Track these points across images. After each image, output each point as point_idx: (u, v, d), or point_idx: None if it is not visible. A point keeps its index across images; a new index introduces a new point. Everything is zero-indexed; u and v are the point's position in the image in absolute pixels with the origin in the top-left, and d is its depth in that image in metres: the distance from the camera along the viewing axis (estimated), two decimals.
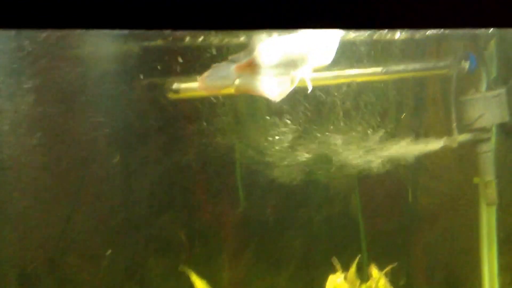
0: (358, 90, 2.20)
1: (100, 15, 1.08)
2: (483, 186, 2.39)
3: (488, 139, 2.38)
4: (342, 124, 2.26)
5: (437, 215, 2.53)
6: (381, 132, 2.25)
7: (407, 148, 2.25)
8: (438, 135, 2.30)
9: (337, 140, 2.18)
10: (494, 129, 2.53)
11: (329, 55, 1.67)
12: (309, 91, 1.66)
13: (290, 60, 1.61)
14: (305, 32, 1.64)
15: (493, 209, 2.64)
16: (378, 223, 2.46)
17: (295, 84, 1.63)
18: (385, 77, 2.27)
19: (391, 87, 2.31)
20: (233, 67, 1.58)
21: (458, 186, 2.51)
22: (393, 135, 2.25)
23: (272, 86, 1.61)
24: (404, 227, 2.57)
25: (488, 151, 2.39)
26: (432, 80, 2.45)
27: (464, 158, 2.43)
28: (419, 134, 2.32)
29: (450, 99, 2.35)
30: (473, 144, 2.38)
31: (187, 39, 1.87)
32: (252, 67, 1.58)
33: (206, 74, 1.59)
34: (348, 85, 2.19)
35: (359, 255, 2.18)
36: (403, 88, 2.35)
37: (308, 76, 1.64)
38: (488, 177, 2.40)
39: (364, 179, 2.29)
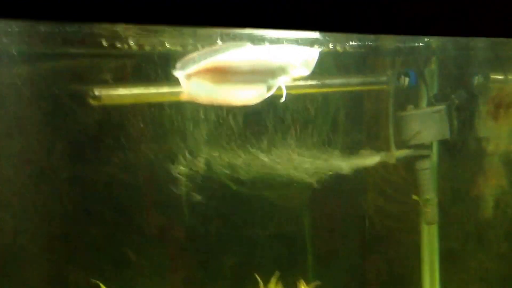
0: (291, 103, 2.14)
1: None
2: (422, 204, 2.36)
3: (428, 156, 2.33)
4: (276, 138, 2.20)
5: (376, 233, 2.47)
6: (316, 147, 2.19)
7: (343, 164, 2.19)
8: (376, 150, 2.26)
9: (270, 154, 2.11)
10: (435, 146, 2.54)
11: (308, 67, 1.62)
12: (282, 101, 1.60)
13: (267, 69, 1.55)
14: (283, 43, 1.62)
15: (434, 228, 2.61)
16: (314, 240, 2.39)
17: (271, 93, 1.57)
18: (320, 90, 2.22)
19: (327, 100, 2.25)
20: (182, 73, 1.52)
21: (398, 204, 2.45)
22: (328, 150, 2.19)
23: (243, 94, 1.57)
24: (342, 245, 2.50)
25: (427, 168, 2.34)
26: (371, 94, 2.40)
27: (403, 175, 2.38)
28: (356, 149, 2.27)
29: (388, 115, 2.32)
30: (412, 160, 2.37)
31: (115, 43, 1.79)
32: (214, 74, 1.53)
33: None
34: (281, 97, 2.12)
35: (279, 271, 2.11)
36: (339, 102, 2.30)
37: (284, 86, 1.59)
38: (428, 195, 2.37)
39: (299, 195, 2.22)
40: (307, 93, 2.23)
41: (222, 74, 1.54)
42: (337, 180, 2.17)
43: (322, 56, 2.18)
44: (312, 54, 1.62)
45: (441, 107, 2.33)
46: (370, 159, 2.21)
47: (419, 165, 2.33)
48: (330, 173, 2.14)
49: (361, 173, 2.25)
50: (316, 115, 2.26)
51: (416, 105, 2.38)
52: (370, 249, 2.58)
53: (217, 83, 1.54)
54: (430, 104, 2.40)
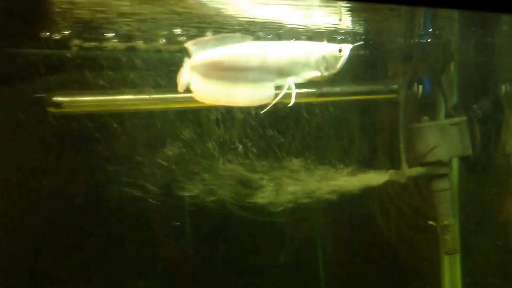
0: (287, 113, 1.88)
1: None
2: (440, 231, 2.05)
3: (446, 176, 2.00)
4: (272, 151, 1.93)
5: (388, 264, 2.16)
6: (318, 163, 1.92)
7: (346, 182, 1.91)
8: (384, 168, 1.97)
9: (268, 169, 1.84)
10: (455, 164, 2.23)
11: (333, 66, 1.42)
12: (290, 105, 1.39)
13: (280, 67, 1.39)
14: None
15: (456, 259, 2.29)
16: (323, 269, 2.10)
17: (281, 95, 1.38)
18: (320, 99, 1.96)
19: (329, 111, 1.99)
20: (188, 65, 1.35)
21: (412, 231, 2.15)
22: (332, 167, 1.92)
23: (252, 94, 1.39)
24: (347, 276, 2.19)
25: (445, 190, 2.02)
26: (379, 105, 2.12)
27: (416, 197, 2.08)
28: (362, 166, 1.98)
29: (399, 127, 2.03)
30: (428, 180, 2.05)
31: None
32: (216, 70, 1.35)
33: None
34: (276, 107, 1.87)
35: None
36: (344, 113, 2.02)
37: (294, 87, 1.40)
38: (447, 220, 2.06)
39: (298, 217, 1.94)
40: (304, 103, 1.97)
41: (229, 69, 1.37)
42: (335, 204, 1.90)
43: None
44: (338, 51, 1.42)
45: (461, 118, 2.01)
46: (377, 179, 1.91)
47: (436, 185, 2.00)
48: (328, 195, 1.86)
49: (366, 195, 1.97)
50: (314, 128, 1.99)
51: (432, 117, 2.09)
52: (382, 282, 2.28)
53: (222, 79, 1.38)
54: (448, 115, 2.11)
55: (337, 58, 1.43)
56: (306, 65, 1.43)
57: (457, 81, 2.15)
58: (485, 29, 2.07)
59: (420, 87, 2.04)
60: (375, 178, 1.91)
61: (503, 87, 2.16)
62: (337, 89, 1.98)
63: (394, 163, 1.98)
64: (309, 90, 1.92)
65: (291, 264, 2.21)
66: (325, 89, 1.93)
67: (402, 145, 1.99)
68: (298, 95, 1.91)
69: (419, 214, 2.07)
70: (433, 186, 2.01)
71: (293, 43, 1.46)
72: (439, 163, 1.99)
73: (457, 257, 2.25)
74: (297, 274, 2.20)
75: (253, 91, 1.41)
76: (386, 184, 1.93)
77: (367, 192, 1.99)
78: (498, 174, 2.12)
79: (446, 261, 2.25)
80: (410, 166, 1.98)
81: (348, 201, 1.97)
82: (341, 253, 2.23)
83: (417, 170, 1.98)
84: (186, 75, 1.35)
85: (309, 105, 1.95)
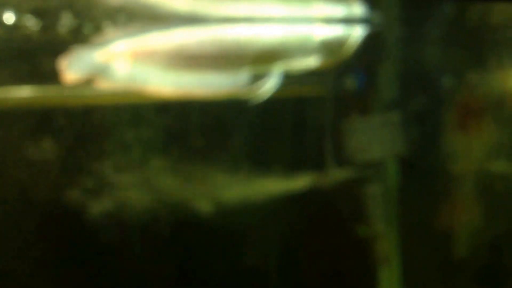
0: (189, 110, 1.70)
1: None
2: (372, 239, 1.89)
3: (378, 178, 1.90)
4: (189, 155, 1.75)
5: (317, 269, 2.00)
6: (230, 166, 1.74)
7: (262, 188, 1.73)
8: (309, 170, 1.80)
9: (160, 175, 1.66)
10: (389, 166, 2.07)
11: (339, 53, 1.24)
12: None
13: (260, 53, 1.20)
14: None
15: (393, 265, 2.14)
16: (232, 275, 1.93)
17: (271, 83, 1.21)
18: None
19: (246, 109, 1.81)
20: (97, 54, 1.15)
21: (340, 240, 1.98)
22: (247, 170, 1.74)
23: (212, 83, 1.20)
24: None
25: (375, 194, 1.89)
26: (305, 101, 1.95)
27: (345, 202, 1.92)
28: (283, 169, 1.81)
29: (326, 126, 1.86)
30: (358, 183, 1.91)
31: None
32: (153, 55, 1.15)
33: (66, 62, 1.13)
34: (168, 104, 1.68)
35: None
36: (262, 111, 1.84)
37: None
38: (378, 226, 1.90)
39: (203, 227, 1.76)
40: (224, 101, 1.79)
41: (178, 56, 1.17)
42: (258, 210, 1.72)
43: None
44: (345, 35, 1.24)
45: (395, 116, 1.87)
46: (299, 182, 1.75)
47: (367, 189, 1.89)
48: (249, 201, 1.69)
49: (286, 201, 1.80)
50: (225, 126, 1.81)
51: (364, 113, 1.95)
52: None
53: (171, 67, 1.18)
54: (382, 112, 1.97)
55: (343, 44, 1.27)
56: (301, 51, 1.25)
57: (396, 75, 2.01)
58: (427, 17, 1.92)
59: (353, 80, 1.89)
60: (295, 182, 1.75)
61: (447, 80, 2.02)
62: None
63: (321, 165, 1.82)
64: None
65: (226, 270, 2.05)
66: None
67: (329, 145, 1.85)
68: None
69: (350, 220, 1.91)
70: (364, 189, 1.89)
71: (284, 27, 1.25)
72: (369, 165, 1.87)
73: (395, 264, 2.11)
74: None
75: (214, 80, 1.22)
76: (312, 188, 1.77)
77: (292, 197, 1.84)
78: (435, 178, 1.97)
79: (383, 270, 2.11)
80: (338, 167, 1.86)
81: (272, 207, 1.81)
82: (267, 261, 2.07)
83: (345, 173, 1.87)
84: (92, 66, 1.14)
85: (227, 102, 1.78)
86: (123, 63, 1.15)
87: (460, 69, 1.98)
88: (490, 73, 1.87)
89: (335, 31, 1.21)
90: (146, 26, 1.15)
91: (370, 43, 1.83)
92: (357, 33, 1.21)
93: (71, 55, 1.13)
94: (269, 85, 1.21)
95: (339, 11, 1.27)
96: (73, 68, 1.14)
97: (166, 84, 1.18)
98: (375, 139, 1.80)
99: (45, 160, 1.55)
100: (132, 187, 1.60)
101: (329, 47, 1.22)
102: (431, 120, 1.88)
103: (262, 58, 1.21)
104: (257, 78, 1.23)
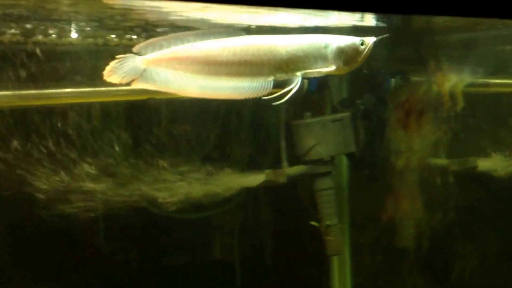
0: (160, 112, 1.76)
1: None
2: (323, 232, 1.98)
3: (328, 174, 1.94)
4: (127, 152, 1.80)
5: (274, 266, 2.08)
6: (190, 163, 1.80)
7: (220, 183, 1.80)
8: (263, 167, 1.88)
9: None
10: (340, 162, 2.17)
11: (354, 60, 1.33)
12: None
13: (281, 60, 1.30)
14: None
15: (345, 258, 2.24)
16: (186, 268, 1.98)
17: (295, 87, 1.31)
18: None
19: (202, 108, 1.87)
20: (140, 60, 1.28)
21: (297, 232, 2.07)
22: (207, 167, 1.80)
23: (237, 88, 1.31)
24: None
25: (327, 189, 1.96)
26: (260, 102, 2.02)
27: (298, 197, 2.01)
28: (240, 165, 1.87)
29: (279, 124, 1.94)
30: (309, 179, 1.98)
31: None
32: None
33: (109, 68, 1.27)
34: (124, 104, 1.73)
35: None
36: (218, 110, 1.91)
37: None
38: (330, 220, 1.99)
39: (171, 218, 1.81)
40: (177, 100, 1.85)
41: (201, 63, 1.29)
42: (214, 206, 1.79)
43: None
44: (359, 44, 1.31)
45: (344, 114, 1.94)
46: (254, 178, 1.82)
47: (318, 185, 1.94)
48: (205, 197, 1.75)
49: (243, 196, 1.87)
50: (188, 127, 1.87)
51: (318, 113, 2.01)
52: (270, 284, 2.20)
53: (192, 73, 1.29)
54: (334, 111, 2.06)
55: (357, 52, 1.33)
56: (320, 58, 1.34)
57: (347, 76, 2.10)
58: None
59: (305, 81, 1.97)
60: (250, 178, 1.82)
61: (391, 81, 2.13)
62: None
63: (274, 162, 1.90)
64: None
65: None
66: None
67: (282, 143, 1.93)
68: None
69: (303, 215, 2.00)
70: (315, 185, 1.95)
71: (304, 36, 1.35)
72: (321, 161, 1.94)
73: (347, 257, 2.21)
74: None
75: (238, 85, 1.31)
76: (266, 184, 1.85)
77: (247, 193, 1.91)
78: (381, 173, 2.08)
79: (335, 261, 2.21)
80: (291, 164, 1.94)
81: (230, 201, 1.88)
82: (228, 255, 2.14)
83: (298, 169, 1.94)
84: (136, 70, 1.27)
85: (183, 102, 1.83)
86: (158, 69, 1.28)
87: (403, 72, 2.10)
88: (430, 76, 2.00)
89: (349, 40, 1.35)
90: (179, 36, 1.28)
91: None
92: (369, 42, 1.33)
93: (116, 61, 1.26)
94: (290, 90, 1.34)
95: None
96: (117, 72, 1.27)
97: (197, 88, 1.30)
98: (326, 137, 1.89)
99: None
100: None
101: (344, 55, 1.35)
102: (377, 119, 1.99)
103: (284, 65, 1.32)
104: (280, 83, 1.35)
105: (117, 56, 1.26)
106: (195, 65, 1.30)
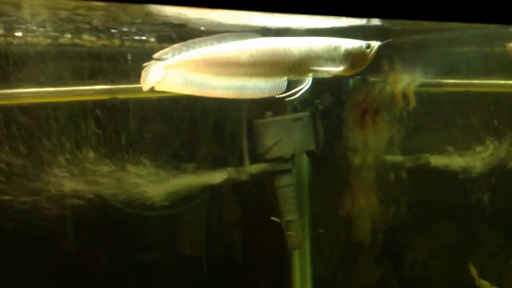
0: (113, 111, 1.78)
1: None
2: (284, 227, 2.05)
3: (289, 171, 2.00)
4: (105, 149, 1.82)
5: (233, 257, 2.14)
6: (154, 161, 1.83)
7: (182, 182, 1.84)
8: (226, 165, 1.93)
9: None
10: (301, 160, 2.24)
11: (361, 63, 1.42)
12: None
13: (294, 62, 1.39)
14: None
15: (306, 252, 2.31)
16: (153, 264, 2.02)
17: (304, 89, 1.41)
18: (159, 94, 1.86)
19: (159, 106, 1.90)
20: (161, 65, 1.37)
21: (259, 228, 2.13)
22: (166, 166, 1.84)
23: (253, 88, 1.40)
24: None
25: (288, 185, 2.02)
26: (222, 101, 2.07)
27: (260, 194, 2.06)
28: (204, 163, 1.92)
29: (241, 123, 1.99)
30: (270, 176, 2.02)
31: None
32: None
33: (142, 77, 1.37)
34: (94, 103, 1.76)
35: None
36: (183, 109, 1.95)
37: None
38: (290, 216, 2.05)
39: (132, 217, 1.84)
40: (141, 99, 1.87)
41: (218, 66, 1.37)
42: (177, 204, 1.82)
43: None
44: (366, 47, 1.40)
45: (303, 114, 2.00)
46: (217, 176, 1.87)
47: (279, 181, 1.99)
48: (168, 195, 1.79)
49: (207, 193, 1.91)
50: (156, 124, 1.90)
51: (280, 112, 2.06)
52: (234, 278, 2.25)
53: (211, 75, 1.38)
54: (295, 110, 2.12)
55: (364, 54, 1.41)
56: (329, 60, 1.41)
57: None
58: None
59: None
60: (213, 176, 1.87)
61: (349, 82, 2.20)
62: None
63: (236, 160, 1.95)
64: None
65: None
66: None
67: (244, 142, 1.98)
68: (134, 89, 1.82)
69: (265, 211, 2.05)
70: (276, 182, 2.01)
71: (315, 38, 1.43)
72: (281, 159, 2.00)
73: (307, 252, 2.28)
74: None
75: (254, 85, 1.39)
76: (228, 181, 1.89)
77: (211, 190, 1.96)
78: (339, 169, 2.16)
79: (296, 255, 2.28)
80: (252, 162, 1.98)
81: (194, 199, 1.92)
82: (193, 250, 2.18)
83: (260, 167, 1.99)
84: (158, 75, 1.35)
85: (143, 101, 1.86)
86: (179, 72, 1.36)
87: (361, 72, 2.18)
88: (384, 76, 2.08)
89: (356, 44, 1.41)
90: (197, 41, 1.36)
91: None
92: (375, 45, 1.41)
93: (144, 70, 1.35)
94: (302, 89, 1.41)
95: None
96: (147, 79, 1.36)
97: (215, 89, 1.38)
98: (287, 136, 1.95)
99: None
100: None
101: (352, 57, 1.42)
102: (336, 118, 2.06)
103: (297, 66, 1.40)
104: (293, 83, 1.41)
105: (144, 65, 1.35)
106: (214, 67, 1.37)
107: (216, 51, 1.37)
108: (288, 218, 2.00)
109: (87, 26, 1.58)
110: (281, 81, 1.40)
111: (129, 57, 1.81)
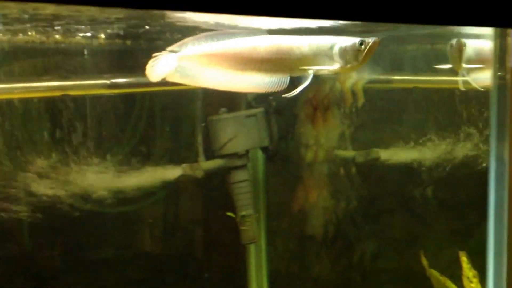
0: (76, 105, 1.77)
1: None
2: (238, 222, 2.08)
3: (243, 167, 2.04)
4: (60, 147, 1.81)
5: (190, 253, 2.16)
6: (110, 158, 1.83)
7: (138, 179, 1.85)
8: (180, 161, 1.95)
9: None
10: (255, 156, 2.28)
11: (355, 59, 1.46)
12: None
13: (295, 59, 1.46)
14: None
15: (261, 246, 2.36)
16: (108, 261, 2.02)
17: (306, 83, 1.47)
18: (113, 91, 1.87)
19: (123, 104, 1.90)
20: (174, 56, 1.44)
21: (215, 223, 2.16)
22: (122, 163, 1.85)
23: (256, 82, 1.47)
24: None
25: (242, 181, 2.05)
26: (178, 96, 2.10)
27: (215, 190, 2.09)
28: (156, 160, 1.94)
29: (196, 120, 2.02)
30: (225, 172, 2.07)
31: None
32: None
33: (150, 64, 1.44)
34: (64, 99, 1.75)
35: None
36: (136, 105, 1.96)
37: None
38: (245, 211, 2.09)
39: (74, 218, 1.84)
40: (95, 96, 1.87)
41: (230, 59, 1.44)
42: (132, 200, 1.83)
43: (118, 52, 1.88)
44: (359, 44, 1.44)
45: (257, 110, 2.04)
46: (172, 172, 1.88)
47: (234, 177, 2.02)
48: (122, 192, 1.79)
49: (163, 191, 1.93)
50: (105, 120, 1.90)
51: (234, 109, 2.10)
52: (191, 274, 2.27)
53: (221, 69, 1.45)
54: (249, 107, 2.16)
55: (358, 51, 1.45)
56: (327, 58, 1.45)
57: None
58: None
59: None
60: (168, 173, 1.88)
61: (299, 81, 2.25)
62: (131, 79, 1.92)
63: (192, 157, 1.97)
64: (97, 81, 1.84)
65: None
66: (117, 81, 1.86)
67: (199, 138, 2.00)
68: (87, 86, 1.82)
69: (221, 205, 2.08)
70: (231, 177, 2.04)
71: (313, 37, 1.48)
72: (236, 155, 2.04)
73: (263, 245, 2.33)
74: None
75: (257, 79, 1.45)
76: (183, 178, 1.91)
77: (166, 186, 1.97)
78: (292, 165, 2.21)
79: (252, 249, 2.32)
80: (207, 159, 2.02)
81: (145, 196, 1.93)
82: (150, 247, 2.19)
83: (215, 163, 2.02)
84: (170, 66, 1.42)
85: (98, 98, 1.86)
86: (190, 65, 1.43)
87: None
88: (334, 75, 2.14)
89: (350, 41, 1.45)
90: (209, 35, 1.43)
91: None
92: (369, 42, 1.45)
93: (153, 60, 1.41)
94: (303, 86, 1.48)
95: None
96: (155, 69, 1.42)
97: (224, 82, 1.44)
98: (241, 132, 1.98)
99: None
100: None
101: (347, 55, 1.45)
102: (288, 115, 2.11)
103: (298, 63, 1.46)
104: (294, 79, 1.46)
105: (154, 55, 1.41)
106: (226, 61, 1.44)
107: (229, 47, 1.44)
108: (243, 213, 2.04)
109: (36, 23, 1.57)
110: (284, 77, 1.47)
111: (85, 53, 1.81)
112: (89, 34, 1.64)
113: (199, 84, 1.46)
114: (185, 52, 1.41)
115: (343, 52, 1.46)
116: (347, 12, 1.21)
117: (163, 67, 1.42)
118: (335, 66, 1.46)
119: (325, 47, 1.47)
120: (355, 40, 1.47)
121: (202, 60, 1.42)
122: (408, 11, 1.32)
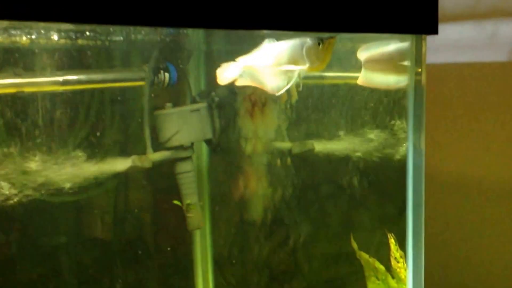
0: (28, 101, 1.86)
1: None
2: (184, 209, 2.23)
3: (188, 158, 2.19)
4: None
5: (139, 240, 2.29)
6: (61, 150, 1.92)
7: (90, 169, 1.96)
8: (130, 154, 2.07)
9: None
10: (200, 148, 2.42)
11: (318, 58, 1.63)
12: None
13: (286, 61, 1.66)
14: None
15: (206, 232, 2.52)
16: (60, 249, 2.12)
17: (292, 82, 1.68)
18: (65, 87, 1.96)
19: (76, 100, 2.00)
20: (239, 65, 1.77)
21: (163, 212, 2.30)
22: (73, 154, 1.95)
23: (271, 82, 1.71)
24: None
25: (188, 171, 2.20)
26: (127, 92, 2.21)
27: (163, 180, 2.23)
28: (106, 152, 2.05)
29: (143, 114, 2.13)
30: (172, 163, 2.19)
31: None
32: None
33: (220, 69, 1.82)
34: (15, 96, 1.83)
35: None
36: (89, 101, 2.06)
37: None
38: (190, 199, 2.24)
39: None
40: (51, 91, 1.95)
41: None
42: (82, 191, 1.94)
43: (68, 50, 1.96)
44: (317, 44, 1.59)
45: (200, 105, 2.19)
46: (121, 164, 2.00)
47: (179, 168, 2.17)
48: (71, 182, 1.89)
49: (113, 181, 2.04)
50: (61, 115, 1.99)
51: (179, 103, 2.22)
52: (143, 260, 2.40)
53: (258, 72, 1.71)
54: (193, 102, 2.30)
55: (318, 50, 1.59)
56: (300, 58, 1.62)
57: (204, 70, 2.35)
58: None
59: (167, 75, 2.17)
60: (118, 164, 2.00)
61: None
62: (83, 77, 2.02)
63: (140, 149, 2.09)
64: (52, 78, 1.93)
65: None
66: (70, 77, 1.95)
67: (147, 131, 2.13)
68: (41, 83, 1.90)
69: (168, 194, 2.22)
70: (177, 168, 2.19)
71: (290, 41, 1.67)
72: (181, 147, 2.18)
73: (207, 231, 2.48)
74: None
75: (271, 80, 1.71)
76: (132, 168, 2.03)
77: (112, 178, 2.08)
78: (233, 157, 2.38)
79: (197, 235, 2.47)
80: (155, 151, 2.13)
81: (96, 185, 2.03)
82: (100, 234, 2.28)
83: (161, 155, 2.15)
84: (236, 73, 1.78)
85: (52, 93, 1.95)
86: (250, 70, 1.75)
87: None
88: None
89: (311, 41, 1.61)
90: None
91: (181, 44, 2.15)
92: (330, 42, 1.61)
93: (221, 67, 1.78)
94: (289, 84, 1.68)
95: None
96: (224, 74, 1.79)
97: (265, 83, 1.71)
98: (186, 125, 2.12)
99: None
100: None
101: (312, 54, 1.60)
102: (230, 109, 2.27)
103: (282, 64, 1.66)
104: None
105: (222, 64, 1.79)
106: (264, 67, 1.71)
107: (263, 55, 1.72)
108: (188, 201, 2.19)
109: None
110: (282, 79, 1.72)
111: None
112: (43, 32, 1.72)
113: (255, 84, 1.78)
114: (245, 61, 1.74)
115: (309, 51, 1.62)
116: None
117: (229, 73, 1.78)
118: (307, 65, 1.63)
119: (297, 48, 1.65)
120: (315, 39, 1.63)
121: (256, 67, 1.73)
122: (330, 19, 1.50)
